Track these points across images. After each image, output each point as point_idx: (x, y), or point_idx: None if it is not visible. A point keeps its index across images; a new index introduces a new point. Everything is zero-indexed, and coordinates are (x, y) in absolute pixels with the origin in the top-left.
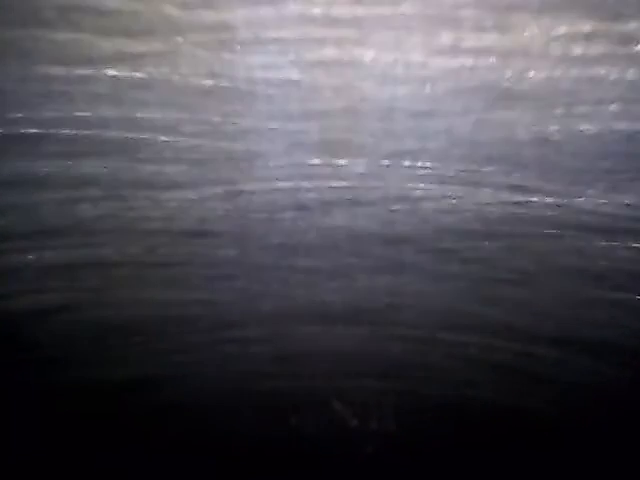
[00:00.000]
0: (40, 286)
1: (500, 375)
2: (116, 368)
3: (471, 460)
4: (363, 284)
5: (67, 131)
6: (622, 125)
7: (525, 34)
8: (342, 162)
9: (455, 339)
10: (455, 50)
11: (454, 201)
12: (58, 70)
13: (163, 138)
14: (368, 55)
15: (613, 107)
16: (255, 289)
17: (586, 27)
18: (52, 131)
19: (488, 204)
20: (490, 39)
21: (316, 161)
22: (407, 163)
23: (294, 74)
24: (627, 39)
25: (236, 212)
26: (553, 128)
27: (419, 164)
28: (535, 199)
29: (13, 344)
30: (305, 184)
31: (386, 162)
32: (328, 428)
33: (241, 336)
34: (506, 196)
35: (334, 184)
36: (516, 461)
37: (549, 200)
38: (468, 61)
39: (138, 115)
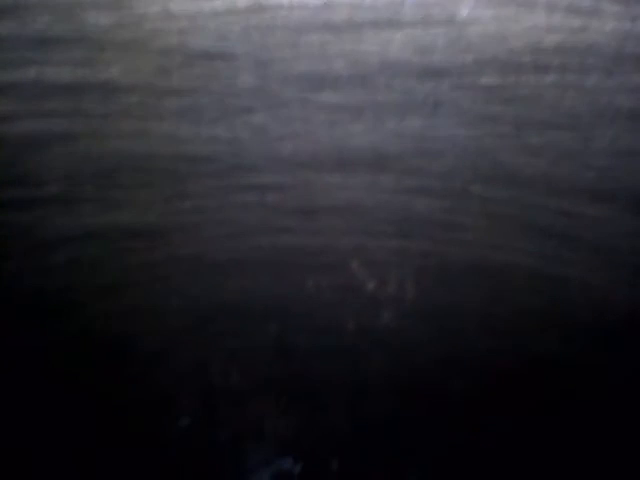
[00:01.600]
0: (41, 108)
1: (536, 237)
2: (120, 212)
3: (500, 334)
4: (391, 126)
5: None
6: None
7: None
8: None
9: (488, 194)
10: None
11: (503, 25)
12: None
13: None
14: None
15: None
16: (275, 128)
17: None
18: None
19: (541, 29)
20: None
21: None
22: None
23: None
24: None
25: (258, 30)
26: None
27: None
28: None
29: (11, 176)
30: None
31: None
32: (344, 291)
33: (258, 183)
34: (562, 20)
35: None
36: (551, 334)
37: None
38: None
39: None
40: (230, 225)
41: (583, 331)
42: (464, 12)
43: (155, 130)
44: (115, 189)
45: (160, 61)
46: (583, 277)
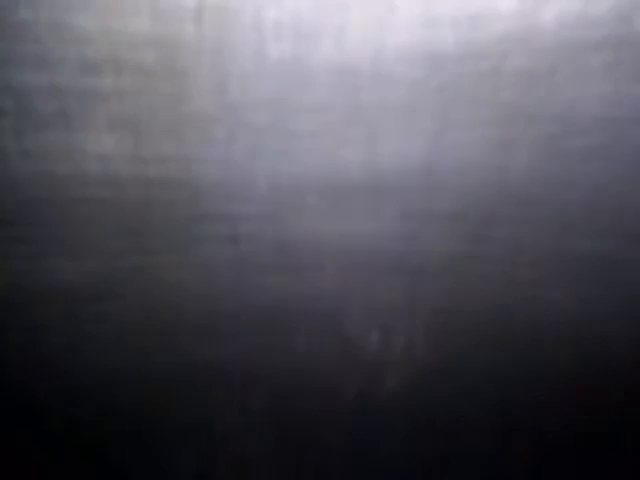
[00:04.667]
0: None
1: (577, 282)
2: (45, 268)
3: (522, 395)
4: (388, 146)
5: None
6: None
7: None
8: None
9: (521, 218)
10: None
11: None
12: None
13: None
14: None
15: None
16: (243, 154)
17: None
18: None
19: None
20: None
21: None
22: None
23: None
24: None
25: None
26: None
27: None
28: None
29: None
30: None
31: None
32: (339, 354)
33: (227, 231)
34: None
35: None
36: (584, 403)
37: None
38: None
39: None
40: (193, 282)
41: (613, 396)
42: None
43: (78, 146)
44: (35, 228)
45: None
46: (627, 332)
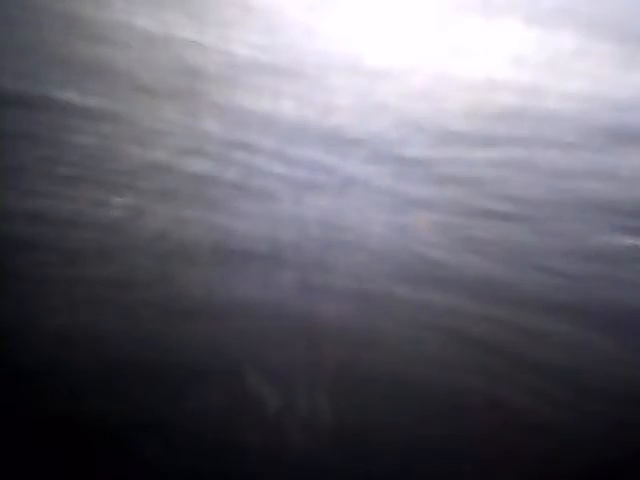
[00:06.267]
0: None
1: (478, 354)
2: None
3: (431, 458)
4: (287, 208)
5: None
6: None
7: None
8: None
9: (417, 298)
10: None
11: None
12: None
13: None
14: None
15: None
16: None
17: None
18: None
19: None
20: None
21: None
22: None
23: None
24: None
25: None
26: None
27: None
28: None
29: None
30: None
31: None
32: (239, 412)
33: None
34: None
35: None
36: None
37: None
38: None
39: None
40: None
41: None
42: (371, 57)
43: None
44: None
45: None
46: (535, 405)
